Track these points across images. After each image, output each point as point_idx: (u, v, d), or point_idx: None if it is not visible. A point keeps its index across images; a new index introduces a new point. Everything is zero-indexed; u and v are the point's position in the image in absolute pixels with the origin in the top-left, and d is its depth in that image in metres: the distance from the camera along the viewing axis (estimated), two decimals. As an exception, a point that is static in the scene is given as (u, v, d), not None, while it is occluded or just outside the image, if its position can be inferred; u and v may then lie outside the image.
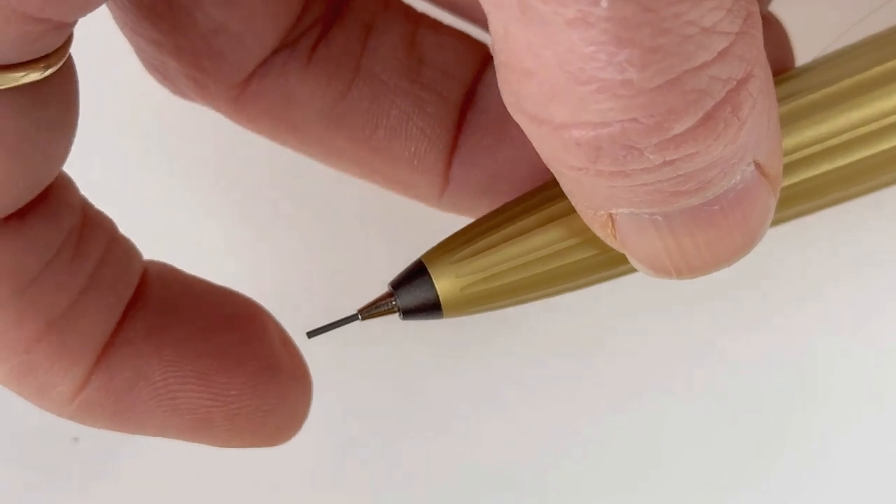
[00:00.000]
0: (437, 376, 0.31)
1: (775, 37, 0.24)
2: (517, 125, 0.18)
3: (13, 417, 0.32)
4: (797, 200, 0.22)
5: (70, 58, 0.20)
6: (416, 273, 0.22)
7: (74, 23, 0.19)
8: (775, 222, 0.23)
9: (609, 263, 0.22)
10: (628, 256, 0.20)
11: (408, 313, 0.22)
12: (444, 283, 0.22)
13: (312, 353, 0.30)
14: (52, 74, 0.19)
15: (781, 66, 0.24)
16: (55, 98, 0.20)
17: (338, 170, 0.25)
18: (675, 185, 0.18)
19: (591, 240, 0.21)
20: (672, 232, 0.19)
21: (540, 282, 0.22)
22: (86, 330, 0.22)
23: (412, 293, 0.22)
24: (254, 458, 0.32)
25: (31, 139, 0.20)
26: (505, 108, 0.18)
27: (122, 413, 0.23)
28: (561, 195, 0.21)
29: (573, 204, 0.20)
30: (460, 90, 0.25)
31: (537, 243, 0.22)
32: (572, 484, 0.31)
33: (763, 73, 0.18)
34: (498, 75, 0.18)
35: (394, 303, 0.22)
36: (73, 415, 0.23)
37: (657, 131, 0.17)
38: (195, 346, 0.23)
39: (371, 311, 0.22)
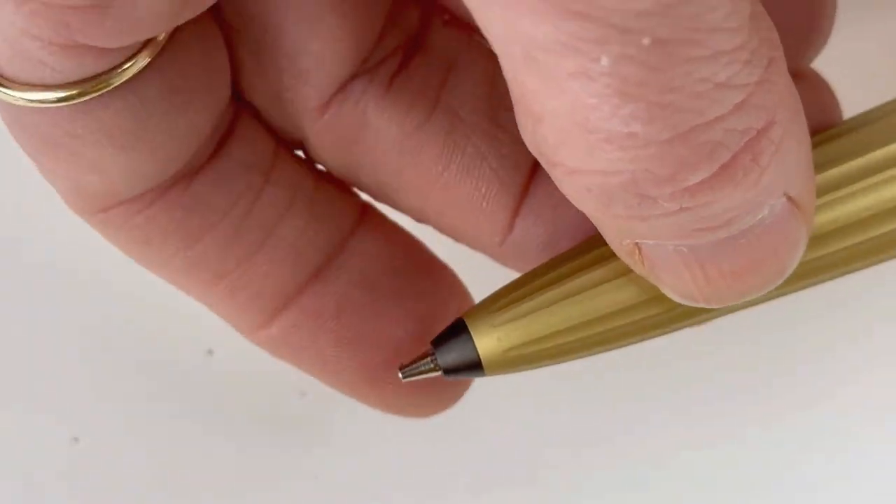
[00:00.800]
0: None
1: (819, 97, 0.23)
2: None
3: (13, 417, 0.32)
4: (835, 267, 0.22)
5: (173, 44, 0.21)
6: (457, 331, 0.21)
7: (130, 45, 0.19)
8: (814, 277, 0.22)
9: (652, 327, 0.22)
10: (656, 283, 0.20)
11: (449, 372, 0.22)
12: (485, 343, 0.21)
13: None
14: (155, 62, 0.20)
15: (827, 124, 0.23)
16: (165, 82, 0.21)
17: (403, 212, 0.24)
18: (698, 223, 0.17)
19: (637, 305, 0.21)
20: (698, 263, 0.18)
21: (583, 347, 0.21)
22: (260, 288, 0.23)
23: (453, 352, 0.21)
24: (254, 458, 0.32)
25: (146, 129, 0.21)
26: None
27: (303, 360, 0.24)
28: (604, 257, 0.21)
29: (602, 233, 0.19)
30: None
31: (581, 310, 0.21)
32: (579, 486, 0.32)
33: (786, 114, 0.17)
34: (516, 116, 0.17)
35: (435, 361, 0.22)
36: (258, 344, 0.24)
37: (670, 182, 0.16)
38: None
39: (412, 370, 0.22)
